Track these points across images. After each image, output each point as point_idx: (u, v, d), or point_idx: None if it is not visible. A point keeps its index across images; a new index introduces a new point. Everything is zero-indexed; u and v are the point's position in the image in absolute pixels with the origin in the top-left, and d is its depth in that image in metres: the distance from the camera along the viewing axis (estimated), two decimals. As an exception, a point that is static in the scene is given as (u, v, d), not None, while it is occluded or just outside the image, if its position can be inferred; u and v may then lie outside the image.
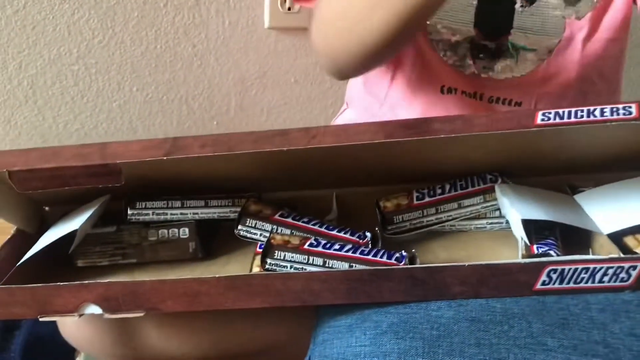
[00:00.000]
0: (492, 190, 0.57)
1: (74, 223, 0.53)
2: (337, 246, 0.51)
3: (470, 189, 0.57)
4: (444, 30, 0.72)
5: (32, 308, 0.49)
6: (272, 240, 0.50)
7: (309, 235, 0.53)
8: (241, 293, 0.48)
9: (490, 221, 0.58)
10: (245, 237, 0.54)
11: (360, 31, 0.58)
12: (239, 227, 0.54)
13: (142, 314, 0.48)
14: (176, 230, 0.55)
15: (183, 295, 0.48)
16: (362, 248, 0.51)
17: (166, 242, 0.56)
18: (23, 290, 0.49)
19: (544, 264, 0.47)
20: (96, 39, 1.13)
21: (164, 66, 1.19)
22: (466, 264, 0.48)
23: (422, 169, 0.57)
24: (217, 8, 1.18)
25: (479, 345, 0.46)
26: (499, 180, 0.58)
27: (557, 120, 0.46)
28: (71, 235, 0.53)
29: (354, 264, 0.49)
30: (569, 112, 0.47)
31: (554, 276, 0.48)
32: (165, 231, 0.55)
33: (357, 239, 0.54)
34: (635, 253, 0.49)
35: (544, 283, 0.48)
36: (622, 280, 0.48)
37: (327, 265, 0.49)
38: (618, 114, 0.46)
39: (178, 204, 0.56)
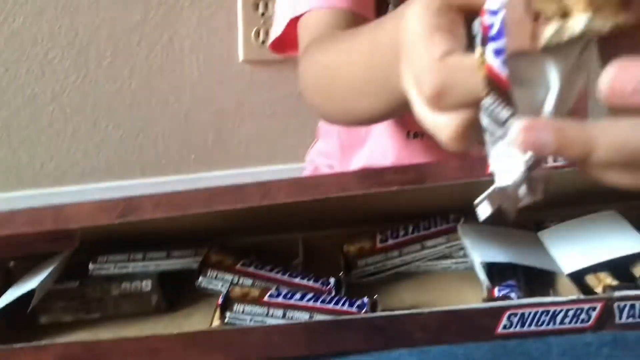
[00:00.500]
0: (455, 230, 0.57)
1: (33, 281, 0.52)
2: (298, 295, 0.50)
3: (433, 229, 0.57)
4: None
5: (-10, 371, 0.48)
6: (232, 293, 0.50)
7: (270, 285, 0.52)
8: (202, 349, 0.48)
9: (455, 261, 0.58)
10: (207, 289, 0.54)
11: (347, 112, 0.58)
12: (200, 278, 0.54)
13: (102, 374, 0.48)
14: (138, 283, 0.55)
15: (144, 353, 0.48)
16: (324, 296, 0.51)
17: (129, 295, 0.55)
18: (-21, 354, 0.48)
19: (504, 309, 0.47)
20: (70, 78, 1.14)
21: (140, 103, 1.20)
22: (426, 310, 0.47)
23: (386, 210, 0.57)
24: (191, 44, 1.19)
25: (441, 394, 0.46)
26: (462, 220, 0.58)
27: (509, 165, 0.46)
28: (33, 293, 0.53)
29: (314, 314, 0.49)
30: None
31: (515, 320, 0.48)
32: (128, 284, 0.55)
33: (320, 286, 0.53)
34: (596, 293, 0.49)
35: (505, 327, 0.48)
36: (582, 321, 0.48)
37: (287, 316, 0.49)
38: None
39: (140, 256, 0.56)
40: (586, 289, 0.50)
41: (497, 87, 0.30)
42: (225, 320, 0.49)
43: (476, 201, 0.36)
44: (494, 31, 0.29)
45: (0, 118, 1.14)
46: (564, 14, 0.27)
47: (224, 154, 1.29)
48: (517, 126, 0.29)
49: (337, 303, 0.50)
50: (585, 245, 0.54)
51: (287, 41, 0.74)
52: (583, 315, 0.48)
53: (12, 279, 0.60)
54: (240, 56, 1.21)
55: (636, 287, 0.49)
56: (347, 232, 0.61)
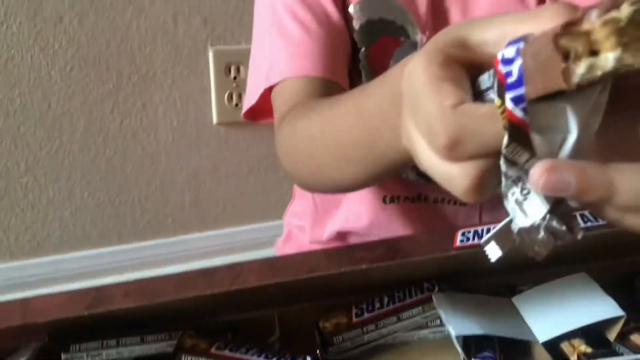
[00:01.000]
0: (430, 299, 0.57)
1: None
2: (274, 378, 0.50)
3: (408, 300, 0.57)
4: None
5: None
6: (207, 380, 0.49)
7: (245, 369, 0.52)
8: None
9: (432, 330, 0.58)
10: (182, 374, 0.53)
11: (330, 180, 0.57)
12: (175, 364, 0.53)
13: None
14: (113, 370, 0.54)
15: None
16: (301, 377, 0.50)
17: (103, 383, 0.54)
18: None
19: (482, 382, 0.47)
20: (44, 150, 1.14)
21: (115, 170, 1.20)
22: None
23: (359, 283, 0.57)
24: (164, 109, 1.19)
25: None
26: (436, 289, 0.58)
27: (476, 240, 0.47)
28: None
29: (292, 397, 0.49)
30: (488, 230, 0.47)
31: (493, 393, 0.48)
32: (102, 373, 0.54)
33: (297, 365, 0.53)
34: (571, 362, 0.49)
35: (483, 400, 0.48)
36: (560, 391, 0.48)
37: (264, 401, 0.48)
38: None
39: (113, 342, 0.55)
40: (561, 358, 0.50)
41: (517, 134, 0.29)
42: (201, 409, 0.48)
43: (482, 241, 0.35)
44: (512, 79, 0.29)
45: (-27, 192, 1.13)
46: (593, 52, 0.27)
47: (201, 216, 1.28)
48: (539, 167, 0.29)
49: (314, 384, 0.49)
50: (559, 311, 0.54)
51: (261, 109, 0.74)
52: (560, 385, 0.48)
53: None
54: (214, 119, 1.22)
55: (611, 353, 0.49)
56: (323, 304, 0.60)
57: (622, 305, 0.51)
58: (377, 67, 0.69)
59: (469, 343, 0.52)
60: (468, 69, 0.33)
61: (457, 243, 0.47)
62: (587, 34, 0.26)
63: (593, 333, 0.51)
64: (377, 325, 0.57)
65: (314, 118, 0.56)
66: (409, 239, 0.47)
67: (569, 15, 0.29)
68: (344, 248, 0.47)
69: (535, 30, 0.29)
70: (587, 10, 0.26)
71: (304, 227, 0.86)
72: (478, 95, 0.33)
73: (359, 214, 0.75)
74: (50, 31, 1.08)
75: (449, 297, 0.57)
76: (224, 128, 1.24)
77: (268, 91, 0.70)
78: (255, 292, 0.50)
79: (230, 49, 1.20)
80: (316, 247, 0.79)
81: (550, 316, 0.54)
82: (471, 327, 0.52)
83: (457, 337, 0.51)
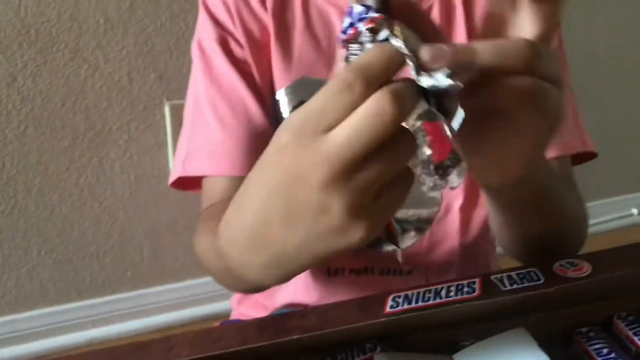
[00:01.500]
0: (372, 360, 0.58)
1: None
2: None
3: (349, 362, 0.58)
4: None
5: None
6: None
7: None
8: None
9: (375, 390, 0.59)
10: None
11: (244, 285, 0.55)
12: None
13: None
14: None
15: None
16: None
17: None
18: None
19: None
20: (-2, 209, 1.13)
21: (71, 226, 1.19)
22: None
23: (294, 350, 0.58)
24: (121, 165, 1.20)
25: None
26: (378, 349, 0.58)
27: (406, 306, 0.48)
28: None
29: None
30: (417, 295, 0.49)
31: None
32: None
33: None
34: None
35: None
36: None
37: None
38: (462, 293, 0.49)
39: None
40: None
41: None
42: None
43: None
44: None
45: None
46: None
47: (160, 269, 1.28)
48: (425, 50, 0.35)
49: None
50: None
51: (188, 181, 0.72)
52: None
53: None
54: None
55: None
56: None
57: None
58: None
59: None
60: None
61: (388, 309, 0.48)
62: None
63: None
64: (319, 389, 0.57)
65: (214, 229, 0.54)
66: (339, 306, 0.48)
67: None
68: (277, 317, 0.48)
69: None
70: None
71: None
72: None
73: (307, 286, 0.74)
74: (3, 92, 1.08)
75: (391, 357, 0.57)
76: (182, 181, 1.25)
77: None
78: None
79: (186, 103, 1.22)
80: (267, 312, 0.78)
81: (486, 374, 0.55)
82: (409, 388, 0.52)
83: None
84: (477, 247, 0.66)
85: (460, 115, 0.35)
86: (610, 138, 1.76)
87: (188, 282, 1.30)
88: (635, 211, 1.88)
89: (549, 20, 0.40)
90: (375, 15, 0.37)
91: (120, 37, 1.14)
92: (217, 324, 0.79)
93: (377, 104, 0.32)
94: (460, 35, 0.69)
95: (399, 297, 0.49)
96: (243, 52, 0.69)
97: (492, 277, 0.51)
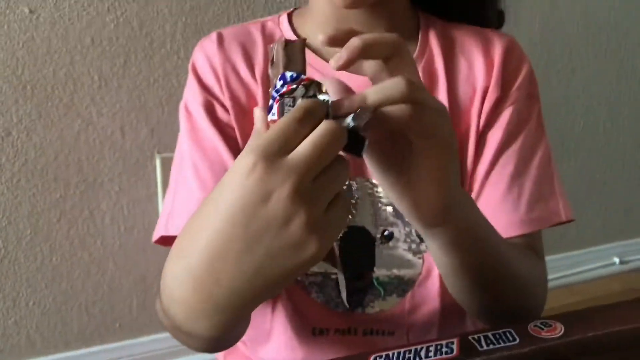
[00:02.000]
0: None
1: None
2: None
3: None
4: (310, 272, 0.72)
5: None
6: None
7: None
8: None
9: None
10: None
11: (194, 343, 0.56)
12: None
13: None
14: None
15: None
16: None
17: None
18: None
19: None
20: (-12, 260, 1.14)
21: (61, 277, 1.20)
22: None
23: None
24: (111, 216, 1.22)
25: None
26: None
27: (387, 366, 0.50)
28: None
29: None
30: (398, 354, 0.51)
31: None
32: None
33: None
34: None
35: None
36: None
37: None
38: (441, 353, 0.51)
39: None
40: None
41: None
42: None
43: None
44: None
45: None
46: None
47: (149, 320, 1.29)
48: (334, 103, 0.47)
49: None
50: None
51: (170, 239, 0.70)
52: None
53: None
54: (162, 223, 1.25)
55: None
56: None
57: None
58: None
59: None
60: None
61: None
62: None
63: None
64: None
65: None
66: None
67: None
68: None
69: None
70: None
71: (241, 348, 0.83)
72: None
73: (291, 345, 0.74)
74: (-3, 145, 1.11)
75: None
76: (171, 232, 1.27)
77: None
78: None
79: (177, 156, 1.24)
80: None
81: None
82: None
83: None
84: (458, 307, 0.68)
85: (365, 143, 0.44)
86: (591, 187, 1.80)
87: (176, 333, 1.30)
88: (617, 260, 1.91)
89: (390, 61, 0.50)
90: (304, 77, 0.48)
91: (114, 93, 1.17)
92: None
93: (326, 128, 0.42)
94: (441, 98, 0.73)
95: (380, 357, 0.51)
96: (228, 117, 0.72)
97: (470, 337, 0.53)
